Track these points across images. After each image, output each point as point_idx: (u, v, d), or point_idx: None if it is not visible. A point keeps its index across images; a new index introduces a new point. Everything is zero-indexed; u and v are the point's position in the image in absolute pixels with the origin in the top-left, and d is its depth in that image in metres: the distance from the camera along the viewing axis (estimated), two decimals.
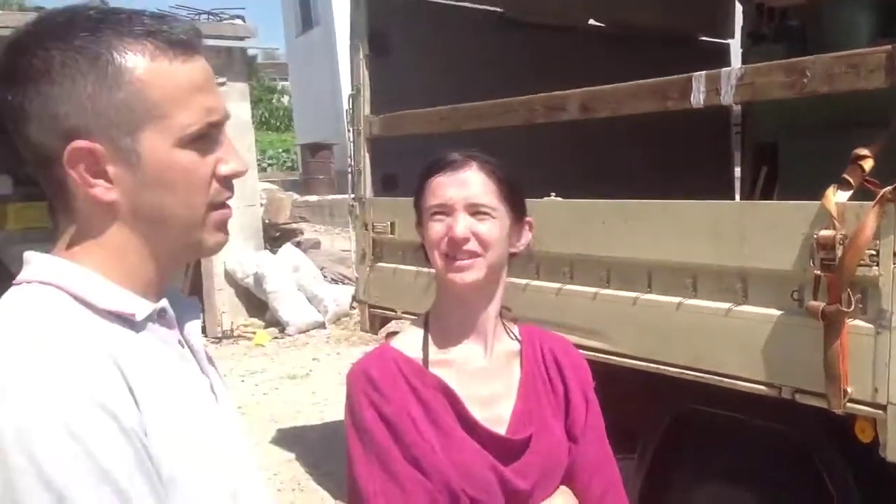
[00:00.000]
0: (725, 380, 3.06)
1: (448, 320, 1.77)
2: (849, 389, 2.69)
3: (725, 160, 6.07)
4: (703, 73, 3.41)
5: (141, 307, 1.18)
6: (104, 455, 1.00)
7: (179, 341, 1.26)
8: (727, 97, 3.26)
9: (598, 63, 5.02)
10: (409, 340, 1.78)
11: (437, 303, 1.79)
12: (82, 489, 0.97)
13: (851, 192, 2.78)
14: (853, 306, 2.69)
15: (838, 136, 3.65)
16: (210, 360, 1.32)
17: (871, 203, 2.65)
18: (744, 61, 4.94)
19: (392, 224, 4.96)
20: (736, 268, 3.11)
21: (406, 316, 5.07)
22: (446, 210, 1.72)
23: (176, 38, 1.17)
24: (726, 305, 3.13)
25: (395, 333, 1.85)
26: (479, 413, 1.70)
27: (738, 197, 5.30)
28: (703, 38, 6.37)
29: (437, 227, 1.72)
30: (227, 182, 1.23)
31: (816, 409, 2.79)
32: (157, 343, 1.20)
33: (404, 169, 5.49)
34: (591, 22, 5.96)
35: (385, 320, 5.36)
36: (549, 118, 4.15)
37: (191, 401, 1.19)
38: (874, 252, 2.65)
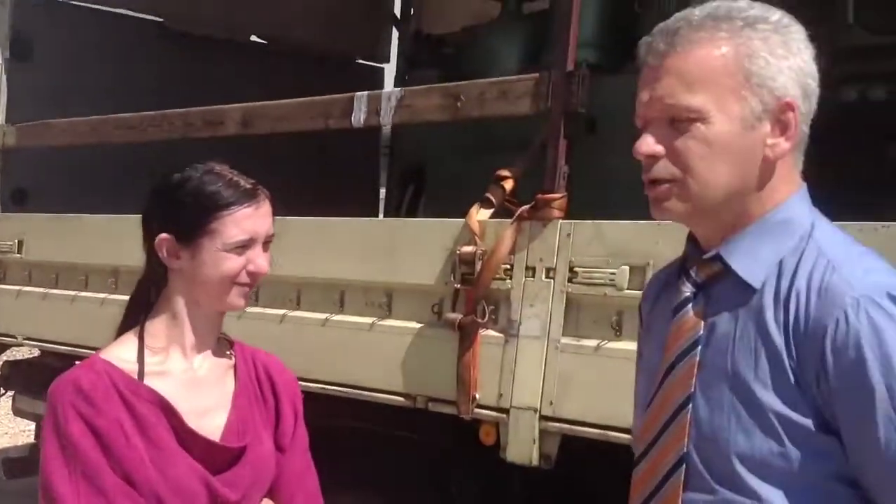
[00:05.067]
0: (366, 393, 3.28)
1: (171, 333, 1.84)
2: (477, 396, 3.00)
3: (373, 180, 6.54)
4: (365, 93, 3.70)
5: None
6: None
7: None
8: (387, 118, 3.56)
9: (259, 79, 5.23)
10: (121, 352, 1.83)
11: (158, 317, 1.85)
12: None
13: (493, 210, 3.15)
14: (487, 317, 3.02)
15: (482, 159, 4.10)
16: None
17: (510, 221, 3.03)
18: (399, 85, 5.39)
19: (20, 242, 4.78)
20: (383, 283, 3.36)
21: (28, 343, 4.85)
22: (249, 244, 1.81)
23: None
24: (371, 320, 3.37)
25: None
26: (194, 424, 1.80)
27: (381, 216, 5.71)
28: (361, 61, 6.85)
29: (236, 260, 1.80)
30: None
31: (447, 416, 3.08)
32: None
33: (37, 183, 5.33)
34: (254, 38, 6.22)
35: (2, 348, 5.09)
36: (208, 132, 4.24)
37: None
38: (509, 266, 3.01)
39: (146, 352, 1.83)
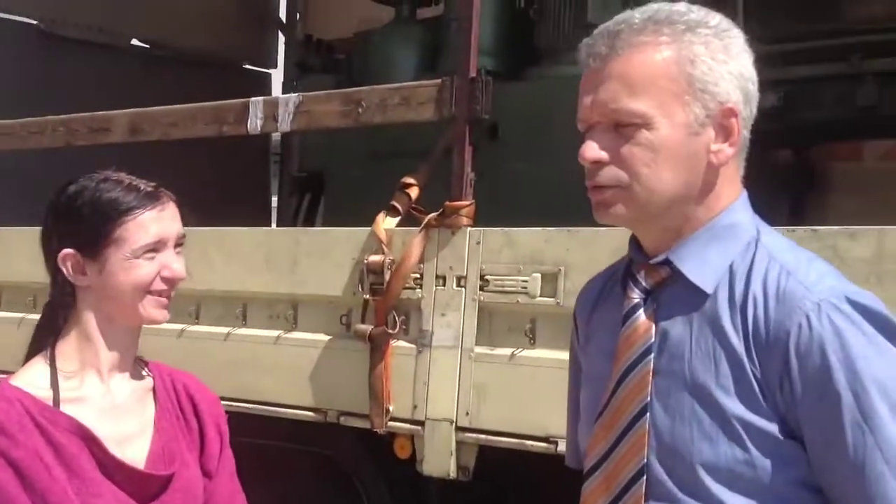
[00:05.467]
0: (274, 409, 3.20)
1: (84, 355, 1.74)
2: (391, 408, 2.96)
3: (263, 189, 6.43)
4: (261, 98, 3.61)
5: None
6: None
7: None
8: (284, 124, 3.48)
9: (143, 85, 5.07)
10: (33, 379, 1.72)
11: (69, 339, 1.74)
12: None
13: (399, 218, 3.12)
14: (398, 328, 2.99)
15: (383, 165, 4.07)
16: None
17: (418, 229, 3.00)
18: (288, 91, 5.31)
19: None
20: (287, 295, 3.28)
21: None
22: (158, 247, 1.73)
23: None
24: (276, 333, 3.29)
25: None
26: (116, 452, 1.71)
27: (274, 225, 5.62)
28: (247, 67, 6.73)
29: (148, 267, 1.71)
30: None
31: (360, 430, 3.03)
32: None
33: None
34: (135, 42, 6.05)
35: None
36: (92, 140, 4.07)
37: None
38: (418, 276, 2.98)
39: (59, 376, 1.72)
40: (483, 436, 2.81)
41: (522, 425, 2.75)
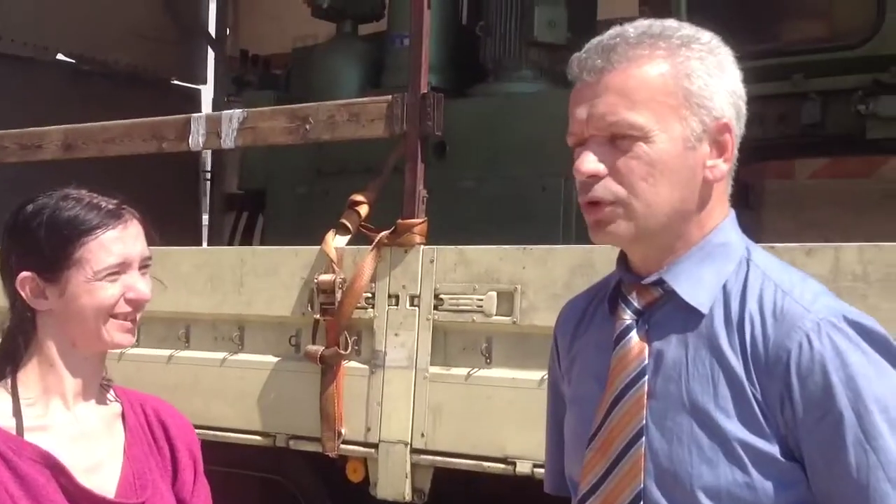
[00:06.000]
0: (220, 434, 3.11)
1: (47, 382, 1.66)
2: (343, 431, 2.91)
3: (194, 207, 6.32)
4: (204, 114, 3.55)
5: None
6: None
7: None
8: (228, 141, 3.41)
9: (68, 100, 4.94)
10: None
11: (30, 366, 1.66)
12: None
13: (349, 236, 3.07)
14: (350, 349, 2.94)
15: (328, 183, 4.02)
16: None
17: (369, 247, 2.95)
18: (225, 107, 5.22)
19: None
20: (233, 315, 3.20)
21: None
22: (122, 268, 1.65)
23: None
24: (221, 355, 3.21)
25: None
26: (84, 480, 1.62)
27: (205, 244, 5.52)
28: (176, 82, 6.63)
29: (111, 289, 1.63)
30: None
31: (311, 454, 2.97)
32: None
33: None
34: (61, 56, 5.90)
35: None
36: (24, 158, 3.95)
37: None
38: (370, 295, 2.94)
39: (22, 404, 1.64)
40: (439, 457, 2.78)
41: (479, 446, 2.72)
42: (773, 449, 1.24)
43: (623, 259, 1.39)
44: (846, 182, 4.74)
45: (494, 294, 2.74)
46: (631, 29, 1.32)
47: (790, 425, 1.24)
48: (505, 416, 2.69)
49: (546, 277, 2.68)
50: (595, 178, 1.29)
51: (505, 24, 3.76)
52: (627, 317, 1.34)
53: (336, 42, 4.48)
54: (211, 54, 6.84)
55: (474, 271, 2.80)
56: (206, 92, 7.10)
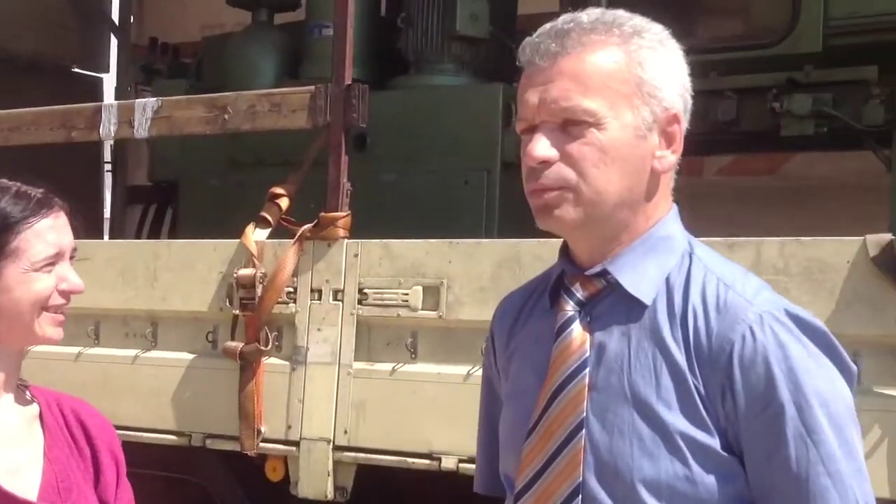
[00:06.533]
0: (132, 433, 3.00)
1: None
2: (262, 429, 2.85)
3: (95, 200, 6.12)
4: (115, 103, 3.45)
5: None
6: None
7: None
8: (142, 130, 3.30)
9: None
10: None
11: None
12: None
13: (270, 230, 3.00)
14: (270, 344, 2.88)
15: (244, 175, 3.93)
16: None
17: (291, 241, 2.89)
18: (129, 97, 5.08)
19: None
20: (146, 311, 3.11)
21: None
22: (56, 259, 1.60)
23: None
24: (133, 353, 3.11)
25: None
26: (6, 483, 1.56)
27: (107, 237, 5.37)
28: (77, 70, 6.42)
29: (47, 280, 1.58)
30: None
31: (228, 453, 2.90)
32: None
33: None
34: None
35: None
36: None
37: None
38: (292, 289, 2.88)
39: None
40: (362, 454, 2.74)
41: (404, 442, 2.69)
42: (714, 442, 1.24)
43: (565, 251, 1.38)
44: (751, 179, 4.87)
45: (420, 288, 2.72)
46: (584, 15, 1.31)
47: (731, 417, 1.24)
48: (430, 411, 2.67)
49: (472, 271, 2.67)
50: (546, 164, 1.27)
51: (427, 16, 3.73)
52: (570, 308, 1.33)
53: (251, 31, 4.38)
54: (114, 42, 6.65)
55: (400, 265, 2.77)
56: (109, 81, 6.92)
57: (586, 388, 1.30)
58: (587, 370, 1.30)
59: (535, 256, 2.59)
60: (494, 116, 3.51)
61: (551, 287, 1.39)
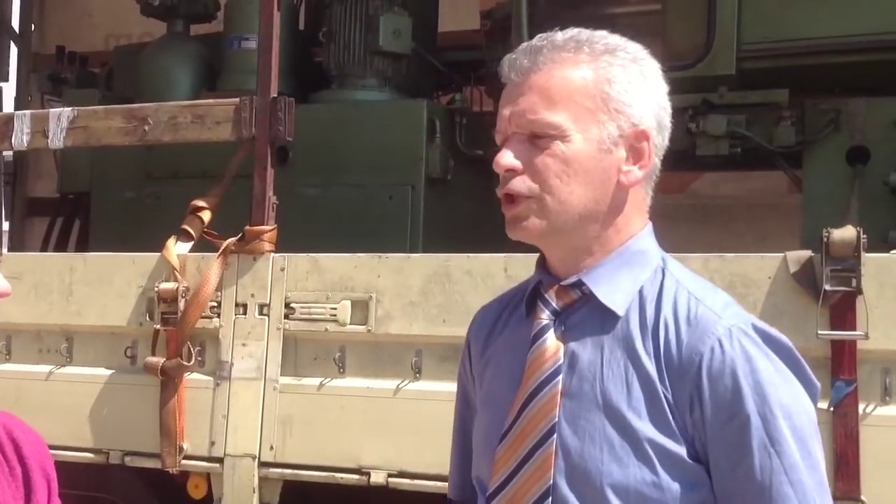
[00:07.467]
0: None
1: None
2: (184, 446, 2.80)
3: None
4: (28, 112, 3.35)
5: None
6: None
7: None
8: (56, 140, 3.23)
9: None
10: None
11: None
12: None
13: (192, 243, 2.97)
14: (193, 359, 2.84)
15: (159, 187, 3.87)
16: None
17: (214, 255, 2.87)
18: (31, 107, 4.95)
19: None
20: (60, 326, 3.03)
21: None
22: None
23: None
24: (47, 368, 3.03)
25: None
26: None
27: (5, 250, 5.20)
28: None
29: None
30: None
31: (149, 471, 2.84)
32: None
33: None
34: None
35: None
36: None
37: None
38: (216, 304, 2.85)
39: None
40: (289, 470, 2.73)
41: (332, 457, 2.69)
42: (681, 450, 1.28)
43: (542, 262, 1.42)
44: (662, 197, 5.00)
45: (349, 303, 2.72)
46: (560, 34, 1.37)
47: (698, 426, 1.29)
48: (359, 426, 2.67)
49: (401, 286, 2.69)
50: (512, 172, 1.32)
51: (349, 31, 3.73)
52: (545, 317, 1.37)
53: (167, 41, 4.31)
54: (14, 50, 6.47)
55: (328, 279, 2.77)
56: (8, 90, 6.73)
57: (559, 395, 1.34)
58: (560, 377, 1.34)
59: (464, 271, 2.63)
60: (419, 132, 3.54)
61: (528, 296, 1.43)
